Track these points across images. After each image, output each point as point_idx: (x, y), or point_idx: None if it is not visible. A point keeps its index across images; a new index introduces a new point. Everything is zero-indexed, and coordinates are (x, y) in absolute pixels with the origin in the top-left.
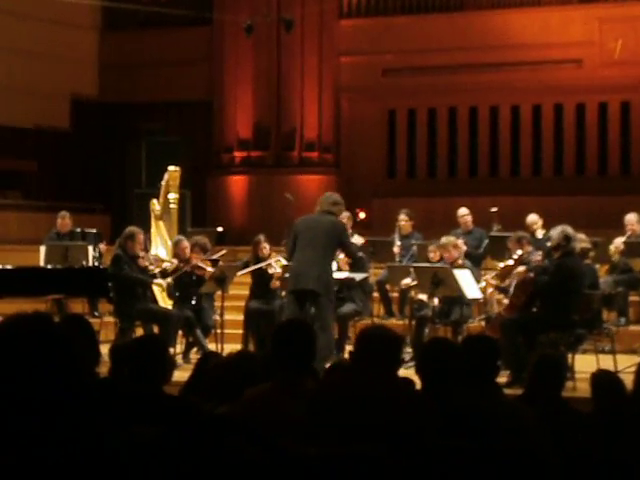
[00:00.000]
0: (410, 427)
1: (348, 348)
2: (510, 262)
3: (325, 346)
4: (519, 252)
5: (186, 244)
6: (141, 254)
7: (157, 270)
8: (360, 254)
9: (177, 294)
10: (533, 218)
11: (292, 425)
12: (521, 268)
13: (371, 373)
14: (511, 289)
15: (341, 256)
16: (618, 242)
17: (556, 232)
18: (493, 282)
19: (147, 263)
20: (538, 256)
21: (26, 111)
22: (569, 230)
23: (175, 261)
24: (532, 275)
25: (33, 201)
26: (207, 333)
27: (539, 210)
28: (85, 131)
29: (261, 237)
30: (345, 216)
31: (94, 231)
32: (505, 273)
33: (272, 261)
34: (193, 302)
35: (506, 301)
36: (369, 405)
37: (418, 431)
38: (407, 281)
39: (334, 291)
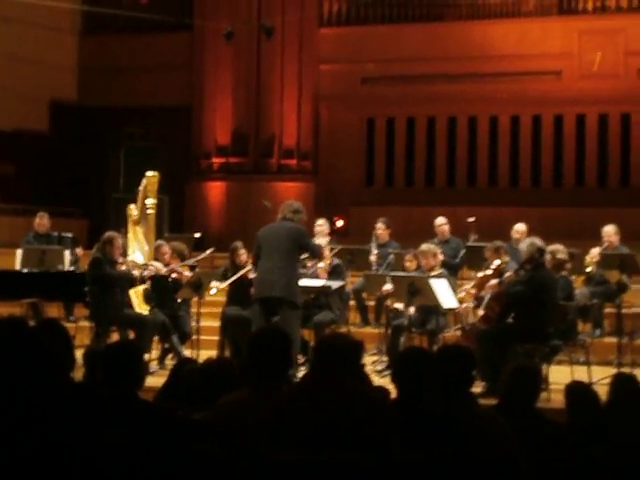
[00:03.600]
0: (370, 434)
1: None
2: (489, 272)
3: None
4: (497, 262)
5: (166, 249)
6: (120, 259)
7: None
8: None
9: (153, 298)
10: (521, 227)
11: (267, 432)
12: (494, 281)
13: (329, 380)
14: (485, 301)
15: (320, 264)
16: (594, 253)
17: (526, 245)
18: (473, 292)
19: (125, 268)
20: (511, 270)
21: (5, 114)
22: (539, 242)
23: (158, 264)
24: (504, 287)
25: (10, 204)
26: (185, 340)
27: (516, 221)
28: (64, 135)
29: (238, 244)
30: (321, 224)
31: (70, 235)
32: (483, 283)
33: (250, 266)
34: (174, 310)
35: (481, 312)
36: (328, 413)
37: (380, 438)
38: (388, 287)
39: (299, 298)
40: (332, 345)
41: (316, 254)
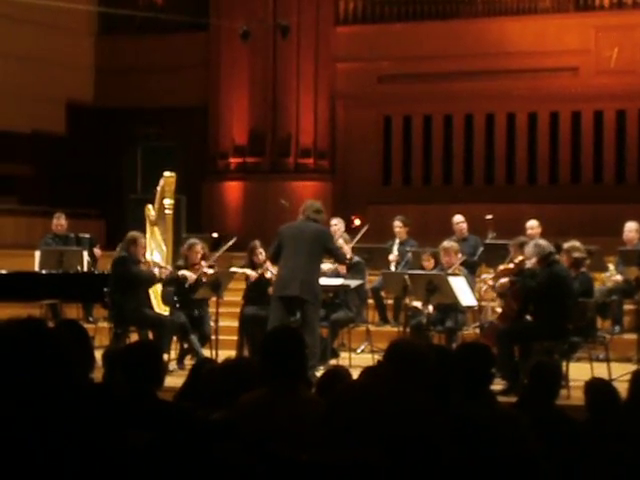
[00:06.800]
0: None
1: (343, 355)
2: (510, 265)
3: (311, 352)
4: (520, 257)
5: (199, 248)
6: (142, 259)
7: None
8: (350, 256)
9: (175, 300)
10: (535, 224)
11: (286, 431)
12: (510, 265)
13: (408, 385)
14: (498, 283)
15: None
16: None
17: (532, 246)
18: (490, 282)
19: (146, 267)
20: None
21: (22, 116)
22: (544, 242)
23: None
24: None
25: (28, 206)
26: (205, 342)
27: (534, 218)
28: (81, 136)
29: (257, 243)
30: (336, 223)
31: (88, 236)
32: (503, 275)
33: (268, 265)
34: (195, 311)
35: (499, 310)
36: (401, 416)
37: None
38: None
39: (321, 297)
40: (407, 352)
41: (340, 259)
